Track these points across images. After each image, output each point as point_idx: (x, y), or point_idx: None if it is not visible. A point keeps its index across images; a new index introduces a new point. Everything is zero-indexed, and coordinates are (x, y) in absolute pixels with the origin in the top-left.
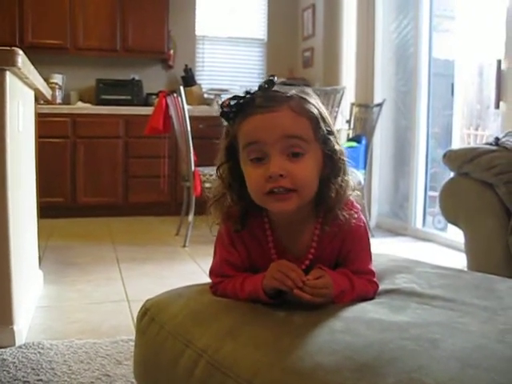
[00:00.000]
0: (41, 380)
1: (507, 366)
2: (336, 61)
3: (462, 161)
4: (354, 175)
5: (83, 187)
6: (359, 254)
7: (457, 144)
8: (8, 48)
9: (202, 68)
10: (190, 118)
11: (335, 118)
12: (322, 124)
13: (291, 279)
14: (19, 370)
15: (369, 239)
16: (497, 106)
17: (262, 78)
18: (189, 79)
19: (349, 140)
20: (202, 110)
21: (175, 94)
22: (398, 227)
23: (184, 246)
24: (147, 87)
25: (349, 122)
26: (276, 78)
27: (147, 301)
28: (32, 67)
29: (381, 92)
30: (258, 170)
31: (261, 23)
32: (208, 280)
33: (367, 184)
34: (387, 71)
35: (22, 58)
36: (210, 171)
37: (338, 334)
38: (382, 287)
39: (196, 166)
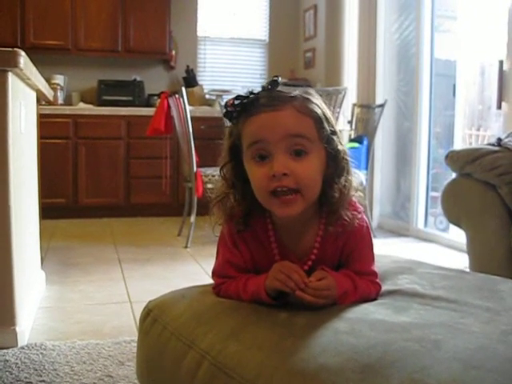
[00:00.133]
0: (43, 381)
1: (510, 366)
2: (338, 61)
3: (465, 161)
4: (356, 176)
5: (85, 188)
6: (362, 255)
7: (458, 144)
8: (10, 49)
9: (203, 69)
10: (192, 118)
11: (337, 118)
12: (326, 124)
13: (293, 280)
14: (22, 370)
15: (371, 240)
16: (499, 107)
17: (263, 78)
18: (190, 80)
19: (350, 140)
20: (204, 111)
21: (177, 95)
22: (400, 228)
23: (186, 246)
24: (149, 88)
25: (350, 122)
26: (280, 78)
27: (150, 302)
28: (34, 68)
29: (382, 92)
30: (261, 168)
31: (262, 24)
32: (210, 281)
33: (369, 184)
34: (389, 72)
35: (24, 59)
36: (212, 172)
37: (342, 335)
38: (384, 288)
39: (198, 166)
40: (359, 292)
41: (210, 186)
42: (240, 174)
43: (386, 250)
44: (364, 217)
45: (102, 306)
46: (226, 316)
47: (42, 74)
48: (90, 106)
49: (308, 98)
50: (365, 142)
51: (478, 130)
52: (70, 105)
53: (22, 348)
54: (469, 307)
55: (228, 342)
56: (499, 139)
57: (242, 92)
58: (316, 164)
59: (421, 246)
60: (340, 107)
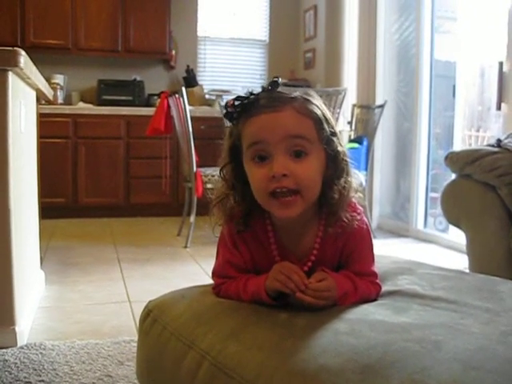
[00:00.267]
0: (42, 381)
1: (509, 367)
2: (338, 62)
3: (464, 162)
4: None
5: (84, 188)
6: (362, 256)
7: (458, 145)
8: (10, 48)
9: (203, 69)
10: (192, 118)
11: (337, 119)
12: (326, 125)
13: (293, 282)
14: (21, 370)
15: (371, 241)
16: (498, 108)
17: (263, 79)
18: (190, 80)
19: (350, 141)
20: (204, 111)
21: (177, 95)
22: (400, 228)
23: (185, 246)
24: (149, 88)
25: (350, 123)
26: (280, 78)
27: (150, 302)
28: (34, 67)
29: (382, 93)
30: (261, 169)
31: (262, 24)
32: (210, 281)
33: (369, 185)
34: (389, 72)
35: (24, 59)
36: (212, 172)
37: (342, 336)
38: (384, 289)
39: (198, 166)
40: (359, 293)
41: (209, 185)
42: (240, 175)
43: (385, 250)
44: (364, 218)
45: (101, 305)
46: (226, 316)
47: (41, 74)
48: (90, 106)
49: (308, 99)
50: (364, 143)
51: (478, 131)
52: (70, 104)
53: (22, 348)
54: (468, 308)
55: (228, 342)
56: (499, 140)
57: (242, 92)
58: (316, 165)
59: (420, 247)
60: (340, 108)
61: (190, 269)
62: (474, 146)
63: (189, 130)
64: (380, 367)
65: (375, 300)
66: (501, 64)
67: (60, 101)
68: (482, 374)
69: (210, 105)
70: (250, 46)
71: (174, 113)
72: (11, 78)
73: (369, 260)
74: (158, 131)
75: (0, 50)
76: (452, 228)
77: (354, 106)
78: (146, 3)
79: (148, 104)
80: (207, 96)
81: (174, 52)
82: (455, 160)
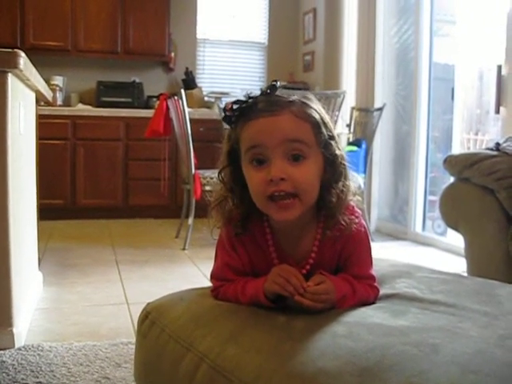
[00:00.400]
0: (40, 382)
1: (507, 371)
2: (336, 65)
3: (463, 166)
4: (355, 179)
5: (83, 189)
6: (360, 259)
7: (457, 148)
8: (10, 50)
9: (202, 71)
10: (191, 120)
11: (335, 122)
12: (324, 129)
13: (292, 285)
14: (18, 372)
15: (370, 244)
16: (497, 111)
17: (262, 81)
18: (189, 82)
19: (349, 144)
20: (203, 113)
21: (176, 97)
22: (398, 231)
23: (184, 248)
24: (148, 90)
25: (349, 126)
26: (278, 82)
27: (148, 304)
28: (33, 69)
29: (381, 96)
30: (259, 173)
31: (262, 27)
32: (208, 283)
33: (367, 188)
34: (388, 75)
35: (23, 60)
36: (211, 174)
37: (340, 339)
38: (382, 292)
39: (196, 168)
40: (357, 296)
41: (208, 188)
42: (238, 178)
43: (383, 253)
44: (362, 221)
45: (99, 307)
46: (225, 319)
47: (41, 75)
48: (89, 107)
49: (306, 103)
50: (363, 146)
51: (476, 134)
52: (69, 106)
53: (19, 349)
54: (467, 311)
55: (226, 344)
56: (497, 144)
57: (241, 94)
58: (313, 169)
59: (419, 250)
60: (339, 111)
61: (188, 271)
62: (472, 150)
63: (187, 132)
64: (378, 370)
65: (373, 303)
66: (499, 67)
67: (59, 102)
68: (480, 378)
69: (208, 107)
70: (249, 48)
71: (172, 115)
72: (11, 79)
73: (367, 263)
74: (156, 133)
75: (0, 52)
76: (450, 231)
77: (352, 108)
78: (146, 5)
79: (147, 106)
80: (206, 98)
81: (173, 54)
82: (454, 163)
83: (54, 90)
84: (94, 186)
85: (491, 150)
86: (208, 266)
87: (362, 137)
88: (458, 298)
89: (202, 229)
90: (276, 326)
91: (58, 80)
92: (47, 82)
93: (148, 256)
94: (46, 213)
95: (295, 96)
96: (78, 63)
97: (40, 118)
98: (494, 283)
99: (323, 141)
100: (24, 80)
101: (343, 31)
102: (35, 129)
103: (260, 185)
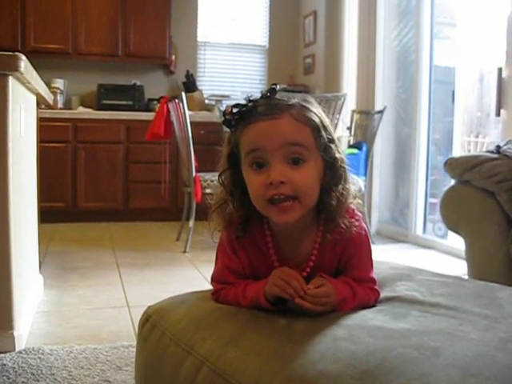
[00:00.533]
0: None
1: (508, 374)
2: (337, 68)
3: (463, 168)
4: (355, 182)
5: (84, 192)
6: (360, 262)
7: (457, 151)
8: (11, 53)
9: (203, 74)
10: (191, 123)
11: (336, 124)
12: (323, 132)
13: (293, 287)
14: (19, 375)
15: (370, 247)
16: (497, 114)
17: (263, 84)
18: (190, 85)
19: (349, 147)
20: (203, 116)
21: (176, 100)
22: (399, 234)
23: (184, 251)
24: (148, 92)
25: (349, 128)
26: (278, 86)
27: (149, 307)
28: (34, 72)
29: (382, 99)
30: (259, 176)
31: (262, 30)
32: (209, 286)
33: (368, 191)
34: (388, 78)
35: (24, 63)
36: (211, 177)
37: (341, 342)
38: (383, 295)
39: (197, 171)
40: (358, 299)
41: (208, 190)
42: (238, 182)
43: (384, 256)
44: (362, 224)
45: (99, 310)
46: (225, 322)
47: (42, 78)
48: (90, 110)
49: (306, 106)
50: (364, 148)
51: (477, 136)
52: (70, 109)
53: (20, 352)
54: (467, 314)
55: (227, 347)
56: (498, 146)
57: (242, 97)
58: (313, 172)
59: (419, 253)
60: (339, 113)
61: (189, 274)
62: (473, 152)
63: (188, 135)
64: (378, 373)
65: (374, 306)
66: (500, 70)
67: (60, 105)
68: (481, 381)
69: (209, 110)
70: (250, 51)
71: (173, 118)
72: (11, 82)
73: (367, 266)
74: (157, 136)
75: (0, 55)
76: (451, 234)
77: (353, 111)
78: (147, 8)
79: (148, 109)
80: (207, 101)
81: (173, 57)
82: (454, 166)
83: (54, 93)
84: (94, 188)
85: (492, 152)
86: (209, 269)
87: (363, 139)
88: (458, 300)
89: (203, 232)
90: (276, 329)
91: (59, 83)
92: (48, 84)
93: (149, 259)
94: (46, 216)
95: (295, 99)
96: (79, 66)
97: (41, 120)
98: (495, 286)
99: (323, 144)
100: (25, 83)
101: (344, 34)
102: (36, 132)
103: (260, 188)
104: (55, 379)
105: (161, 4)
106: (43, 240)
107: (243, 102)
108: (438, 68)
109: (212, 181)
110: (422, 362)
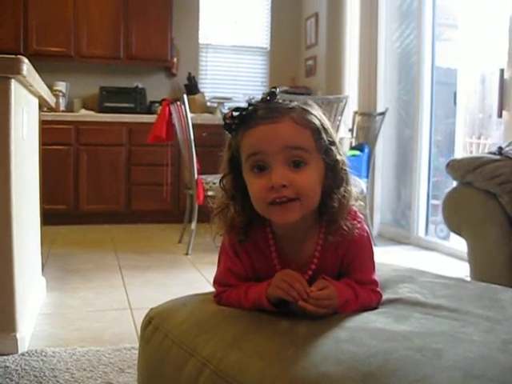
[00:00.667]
0: None
1: (510, 375)
2: (339, 69)
3: (466, 170)
4: (357, 184)
5: (86, 194)
6: (362, 264)
7: (459, 152)
8: (13, 56)
9: (205, 76)
10: (193, 126)
11: (338, 126)
12: (324, 135)
13: (296, 290)
14: (22, 377)
15: (372, 249)
16: (499, 115)
17: (264, 86)
18: (192, 87)
19: (351, 148)
20: (205, 118)
21: (178, 102)
22: (401, 236)
23: (187, 253)
24: (150, 95)
25: (351, 130)
26: (278, 89)
27: (151, 309)
28: (37, 75)
29: (383, 101)
30: (260, 180)
31: (264, 32)
32: (211, 288)
33: (370, 192)
34: (390, 80)
35: (26, 66)
36: (213, 179)
37: (343, 344)
38: (385, 297)
39: (199, 173)
40: (360, 301)
41: (210, 193)
42: (239, 186)
43: (386, 258)
44: (364, 226)
45: (102, 312)
46: (228, 324)
47: (43, 81)
48: (92, 113)
49: (306, 110)
50: (366, 150)
51: (479, 138)
52: (72, 111)
53: (23, 354)
54: (469, 316)
55: (229, 350)
56: (500, 148)
57: (244, 99)
58: (315, 175)
59: (421, 255)
60: (341, 115)
61: (191, 276)
62: (475, 154)
63: (190, 138)
64: (381, 375)
65: (376, 308)
66: (502, 71)
67: (62, 108)
68: (483, 383)
69: (211, 112)
70: (252, 53)
71: (175, 120)
72: (14, 85)
73: (369, 268)
74: (159, 138)
75: (3, 58)
76: (453, 235)
77: (355, 113)
78: (148, 10)
79: (149, 111)
80: (209, 103)
81: (175, 59)
82: (456, 168)
83: (56, 96)
84: (96, 191)
85: (494, 154)
86: (211, 272)
87: (365, 141)
88: (460, 302)
89: (205, 234)
90: (279, 332)
91: (61, 86)
92: (50, 87)
93: (151, 261)
94: (49, 218)
95: (295, 102)
96: (81, 69)
97: (43, 123)
98: (497, 288)
99: (324, 147)
100: (27, 86)
101: (345, 36)
102: (38, 134)
103: (261, 192)
104: (58, 381)
105: (162, 6)
106: (45, 242)
107: (244, 105)
108: (439, 69)
109: (214, 183)
110: (424, 363)
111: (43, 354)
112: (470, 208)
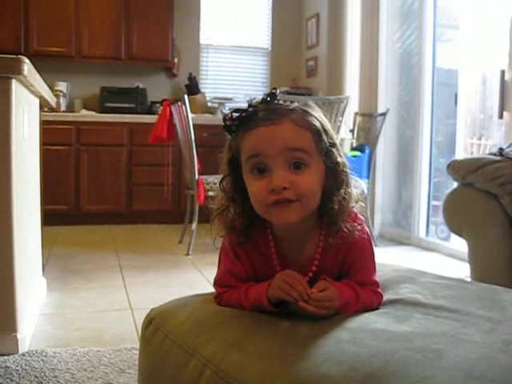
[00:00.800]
0: None
1: (511, 376)
2: (340, 70)
3: (466, 171)
4: (358, 185)
5: (87, 195)
6: (363, 266)
7: (460, 153)
8: (14, 56)
9: (205, 76)
10: (194, 126)
11: (339, 127)
12: (324, 136)
13: (297, 291)
14: (22, 377)
15: (373, 250)
16: (500, 116)
17: (265, 86)
18: (193, 87)
19: (352, 149)
20: (206, 119)
21: (179, 103)
22: (401, 236)
23: (187, 254)
24: (151, 95)
25: (352, 131)
26: (278, 90)
27: (152, 310)
28: (37, 75)
29: (384, 101)
30: (260, 182)
31: (265, 32)
32: (212, 289)
33: (370, 193)
34: (391, 81)
35: (27, 66)
36: (214, 179)
37: (344, 345)
38: (386, 297)
39: (200, 174)
40: (361, 302)
41: (211, 193)
42: (239, 187)
43: (387, 258)
44: (365, 227)
45: (102, 313)
46: (228, 325)
47: (44, 81)
48: (93, 113)
49: (306, 111)
50: (366, 151)
51: (480, 139)
52: (73, 111)
53: (23, 355)
54: (470, 317)
55: (230, 350)
56: (501, 149)
57: (244, 100)
58: (315, 176)
59: (422, 255)
60: (342, 116)
61: (192, 276)
62: (476, 155)
63: (191, 138)
64: (382, 376)
65: (377, 309)
66: (503, 72)
67: (63, 108)
68: (484, 383)
69: (212, 112)
70: (253, 53)
71: (176, 120)
72: (15, 85)
73: (370, 270)
74: (160, 139)
75: (4, 58)
76: (454, 236)
77: (356, 114)
78: (149, 11)
79: (150, 111)
80: (209, 104)
81: (176, 60)
82: (457, 168)
83: (57, 96)
84: (97, 191)
85: (495, 155)
86: (211, 272)
87: (366, 142)
88: (461, 303)
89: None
90: (279, 332)
91: (62, 86)
92: (51, 87)
93: (151, 262)
94: (49, 218)
95: (295, 104)
96: (82, 69)
97: (44, 123)
98: (498, 288)
99: (324, 148)
100: (28, 86)
101: (346, 36)
102: (39, 134)
103: (261, 193)
104: (58, 382)
105: (163, 7)
106: (46, 242)
107: (244, 106)
108: (440, 70)
109: (215, 183)
110: (424, 364)
111: (44, 354)
112: (470, 209)
